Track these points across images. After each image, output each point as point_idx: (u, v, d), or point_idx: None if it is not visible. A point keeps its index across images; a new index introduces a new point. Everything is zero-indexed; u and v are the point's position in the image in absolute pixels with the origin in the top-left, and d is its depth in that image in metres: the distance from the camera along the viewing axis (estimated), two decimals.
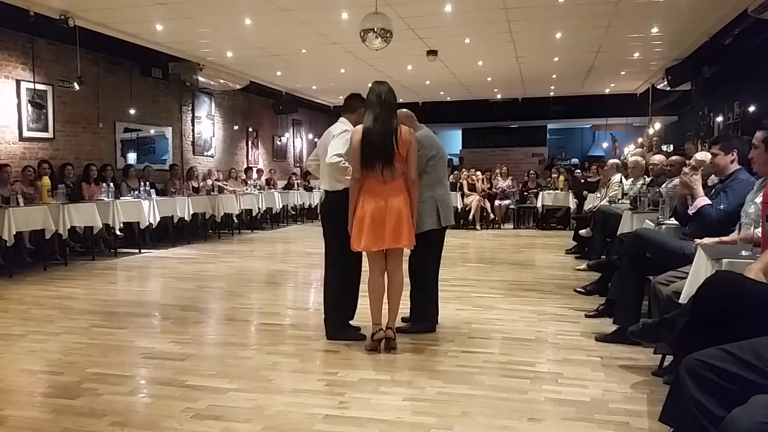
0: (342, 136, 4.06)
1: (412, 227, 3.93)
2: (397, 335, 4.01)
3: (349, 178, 3.95)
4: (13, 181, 7.78)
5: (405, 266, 4.12)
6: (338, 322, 4.26)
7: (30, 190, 7.82)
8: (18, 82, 8.43)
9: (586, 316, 4.83)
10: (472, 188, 12.72)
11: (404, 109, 4.56)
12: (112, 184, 8.84)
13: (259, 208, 12.38)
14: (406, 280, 4.19)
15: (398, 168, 3.88)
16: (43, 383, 3.55)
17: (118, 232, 8.67)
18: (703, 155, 5.10)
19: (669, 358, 3.40)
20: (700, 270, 3.01)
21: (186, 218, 10.02)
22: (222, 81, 11.70)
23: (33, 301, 5.68)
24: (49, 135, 8.95)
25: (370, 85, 4.04)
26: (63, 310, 5.28)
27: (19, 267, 7.29)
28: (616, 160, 9.06)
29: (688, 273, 3.21)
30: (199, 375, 3.57)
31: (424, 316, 4.44)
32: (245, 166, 14.17)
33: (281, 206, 13.38)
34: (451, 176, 13.70)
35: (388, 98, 3.93)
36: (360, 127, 3.92)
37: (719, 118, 11.79)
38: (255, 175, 13.54)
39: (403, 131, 3.90)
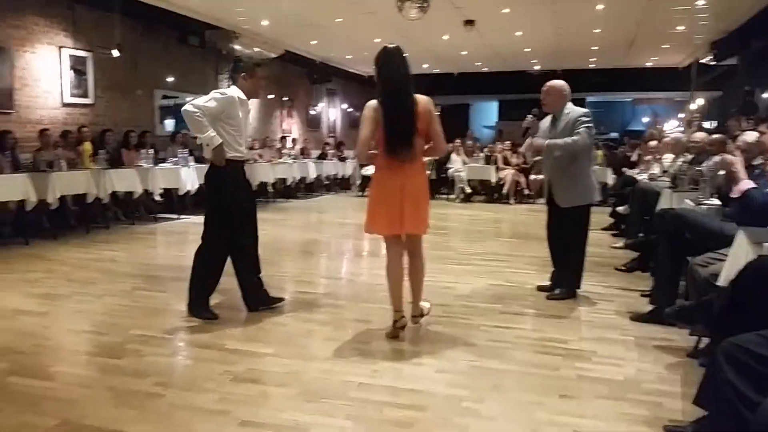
0: (215, 93, 3.93)
1: (428, 212, 3.67)
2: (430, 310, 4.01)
3: (203, 135, 3.78)
4: (56, 146, 7.99)
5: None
6: (198, 299, 4.12)
7: (72, 155, 8.01)
8: (60, 48, 8.58)
9: (616, 269, 4.83)
10: (507, 162, 12.57)
11: (559, 81, 4.42)
12: (151, 150, 8.96)
13: (293, 178, 12.48)
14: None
15: (418, 146, 3.52)
16: (88, 342, 3.71)
17: (157, 198, 8.82)
18: (752, 136, 4.93)
19: (705, 341, 3.37)
20: (739, 253, 2.97)
21: None
22: (257, 49, 11.70)
23: (77, 264, 5.88)
24: (89, 101, 9.13)
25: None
26: (105, 273, 5.46)
27: (64, 229, 7.53)
28: (677, 135, 8.74)
29: (726, 255, 3.16)
30: (237, 339, 3.68)
31: (571, 281, 4.65)
32: (279, 135, 14.24)
33: (315, 176, 13.44)
34: (486, 149, 13.55)
35: (404, 70, 3.48)
36: (373, 102, 3.51)
37: (765, 95, 11.40)
38: (290, 144, 13.58)
39: (420, 102, 3.48)
